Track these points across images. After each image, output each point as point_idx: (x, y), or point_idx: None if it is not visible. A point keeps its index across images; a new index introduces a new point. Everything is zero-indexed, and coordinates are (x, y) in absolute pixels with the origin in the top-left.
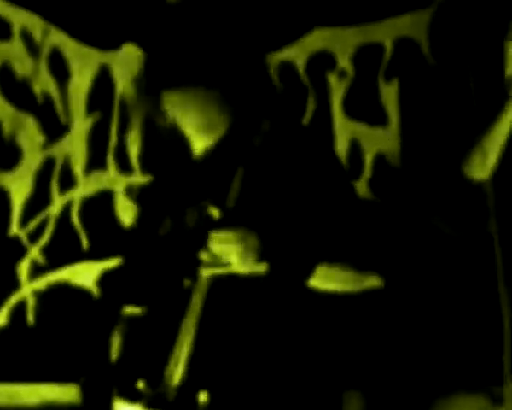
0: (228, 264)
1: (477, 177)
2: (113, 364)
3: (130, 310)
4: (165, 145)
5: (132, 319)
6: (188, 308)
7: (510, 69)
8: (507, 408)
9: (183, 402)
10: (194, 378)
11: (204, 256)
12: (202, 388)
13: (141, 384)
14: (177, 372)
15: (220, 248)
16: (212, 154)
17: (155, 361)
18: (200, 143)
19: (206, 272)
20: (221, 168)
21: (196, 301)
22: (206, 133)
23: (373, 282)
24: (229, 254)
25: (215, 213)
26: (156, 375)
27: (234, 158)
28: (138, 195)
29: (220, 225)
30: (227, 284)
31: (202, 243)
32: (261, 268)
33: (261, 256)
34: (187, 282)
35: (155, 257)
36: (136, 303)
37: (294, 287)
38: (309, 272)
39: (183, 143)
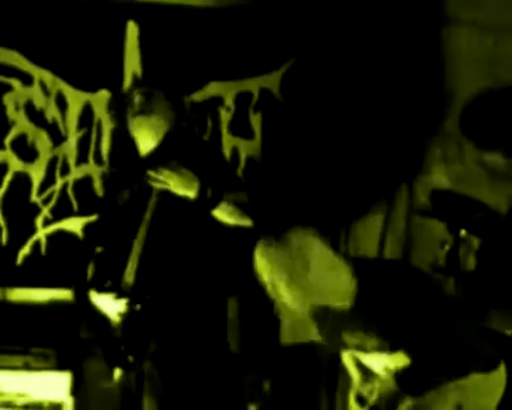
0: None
1: None
2: (90, 275)
3: (100, 248)
4: (122, 148)
5: (101, 253)
6: (138, 233)
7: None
8: None
9: (136, 293)
10: (142, 281)
11: (157, 177)
12: (149, 284)
13: (108, 282)
14: (131, 274)
15: (175, 175)
16: (151, 153)
17: (119, 268)
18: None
19: (157, 186)
20: (160, 159)
21: (147, 215)
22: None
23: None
24: (180, 180)
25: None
26: (119, 276)
27: (168, 153)
28: (107, 179)
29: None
30: (165, 208)
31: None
32: (192, 195)
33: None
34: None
35: (118, 212)
36: (106, 244)
37: (207, 213)
38: (217, 203)
39: (134, 146)
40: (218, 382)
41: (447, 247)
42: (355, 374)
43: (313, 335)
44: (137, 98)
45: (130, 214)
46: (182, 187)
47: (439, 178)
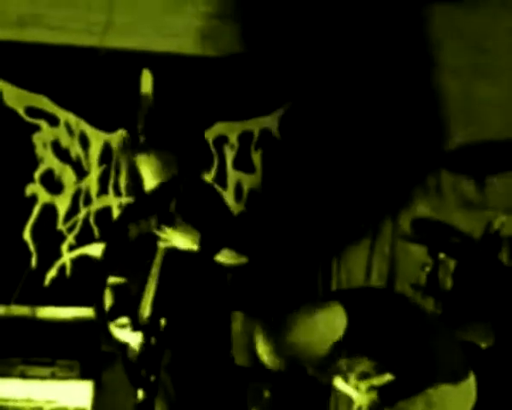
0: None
1: None
2: (107, 309)
3: (115, 279)
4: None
5: (117, 285)
6: (150, 272)
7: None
8: None
9: (151, 326)
10: (156, 313)
11: (163, 236)
12: (162, 317)
13: (124, 320)
14: (146, 308)
15: (178, 236)
16: (156, 190)
17: (134, 306)
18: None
19: (162, 245)
20: (162, 198)
21: (155, 268)
22: (154, 179)
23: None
24: (184, 239)
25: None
26: (135, 313)
27: (169, 193)
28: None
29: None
30: (174, 256)
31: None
32: (195, 248)
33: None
34: (148, 261)
35: (129, 247)
36: (120, 274)
37: (209, 259)
38: (217, 252)
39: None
40: (224, 389)
41: (428, 269)
42: (352, 392)
43: None
44: (141, 138)
45: (140, 250)
46: (184, 243)
47: (420, 207)
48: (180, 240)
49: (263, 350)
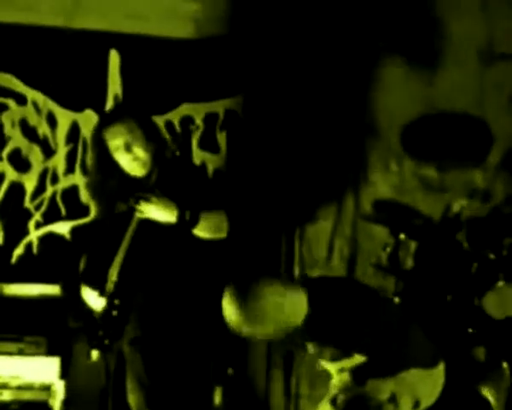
0: (158, 215)
1: None
2: (80, 272)
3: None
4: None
5: (90, 251)
6: (124, 239)
7: None
8: None
9: (116, 291)
10: (123, 279)
11: (141, 208)
12: (130, 284)
13: (94, 279)
14: (114, 273)
15: (155, 206)
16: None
17: (105, 270)
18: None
19: (140, 217)
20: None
21: (128, 234)
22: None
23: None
24: (160, 211)
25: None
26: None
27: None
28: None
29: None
30: (149, 224)
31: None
32: (173, 220)
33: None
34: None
35: (112, 219)
36: (93, 244)
37: (185, 231)
38: (194, 225)
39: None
40: (189, 366)
41: (389, 249)
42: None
43: None
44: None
45: (122, 224)
46: (162, 216)
47: (382, 189)
48: (158, 213)
49: (229, 312)
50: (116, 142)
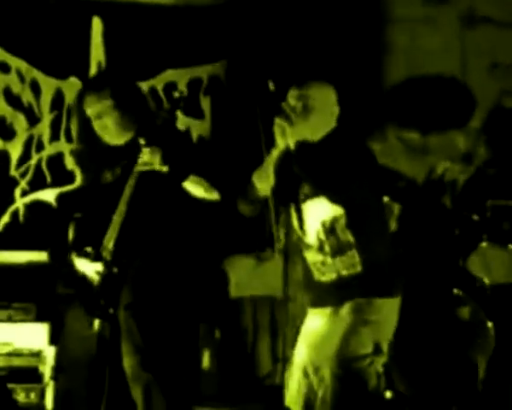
0: (153, 164)
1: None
2: (71, 241)
3: (79, 214)
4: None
5: (81, 219)
6: (118, 207)
7: None
8: (268, 265)
9: (114, 257)
10: (121, 245)
11: (140, 160)
12: (128, 251)
13: (88, 248)
14: (111, 239)
15: (150, 155)
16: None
17: (100, 236)
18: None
19: (138, 168)
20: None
21: (126, 191)
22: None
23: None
24: (155, 158)
25: (142, 141)
26: (100, 243)
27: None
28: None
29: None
30: (146, 178)
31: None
32: (165, 168)
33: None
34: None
35: (100, 188)
36: (80, 210)
37: (178, 182)
38: (186, 176)
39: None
40: (180, 330)
41: None
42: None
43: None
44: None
45: (112, 192)
46: (156, 164)
47: None
48: (154, 157)
49: None
50: (89, 110)
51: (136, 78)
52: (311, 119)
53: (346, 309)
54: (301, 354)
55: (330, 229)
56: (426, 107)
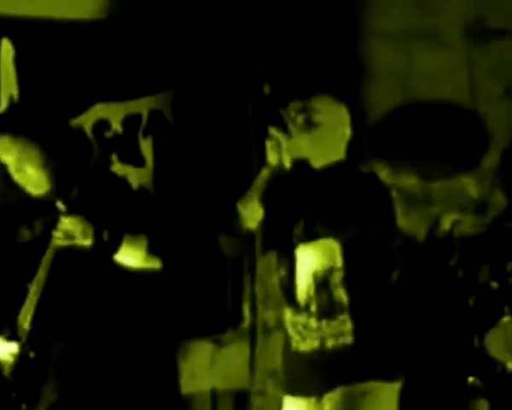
0: (74, 237)
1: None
2: None
3: None
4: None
5: None
6: (36, 276)
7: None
8: (231, 350)
9: (31, 340)
10: (38, 325)
11: (57, 234)
12: (46, 332)
13: (6, 329)
14: (26, 318)
15: (70, 226)
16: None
17: (12, 311)
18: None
19: (56, 243)
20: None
21: (42, 270)
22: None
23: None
24: (75, 231)
25: (61, 206)
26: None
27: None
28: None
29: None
30: (65, 254)
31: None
32: (88, 243)
33: (90, 235)
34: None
35: (15, 250)
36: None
37: (107, 257)
38: (115, 249)
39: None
40: None
41: None
42: None
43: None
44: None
45: (29, 255)
46: (78, 238)
47: None
48: (74, 234)
49: None
50: (5, 157)
51: (57, 115)
52: (314, 135)
53: (333, 403)
54: None
55: (323, 283)
56: (426, 144)
